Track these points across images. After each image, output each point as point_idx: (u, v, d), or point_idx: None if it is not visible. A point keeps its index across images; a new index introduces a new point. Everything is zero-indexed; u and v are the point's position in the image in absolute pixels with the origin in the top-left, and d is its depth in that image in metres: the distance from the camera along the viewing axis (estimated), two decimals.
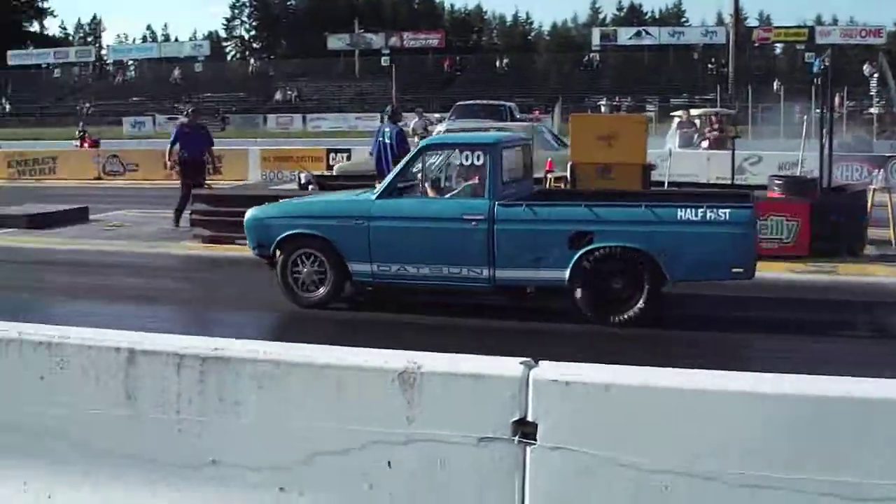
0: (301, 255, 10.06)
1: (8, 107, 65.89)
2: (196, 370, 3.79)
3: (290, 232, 10.06)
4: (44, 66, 74.66)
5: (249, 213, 10.64)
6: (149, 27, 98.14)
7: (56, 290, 11.67)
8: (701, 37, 68.41)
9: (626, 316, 9.11)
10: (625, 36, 68.72)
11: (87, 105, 63.15)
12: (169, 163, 16.04)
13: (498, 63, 68.31)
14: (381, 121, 21.08)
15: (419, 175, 9.92)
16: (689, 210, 9.01)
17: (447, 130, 18.17)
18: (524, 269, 9.40)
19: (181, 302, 11.20)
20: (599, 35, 70.16)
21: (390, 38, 69.40)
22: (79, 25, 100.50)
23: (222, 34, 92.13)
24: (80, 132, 37.24)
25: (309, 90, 64.09)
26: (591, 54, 68.78)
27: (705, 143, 22.17)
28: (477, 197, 9.55)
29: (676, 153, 19.65)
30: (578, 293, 9.21)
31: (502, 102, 29.57)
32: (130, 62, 77.99)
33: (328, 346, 3.82)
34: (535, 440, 3.47)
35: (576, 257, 9.14)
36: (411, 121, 26.57)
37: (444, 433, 3.53)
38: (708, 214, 8.92)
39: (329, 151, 25.71)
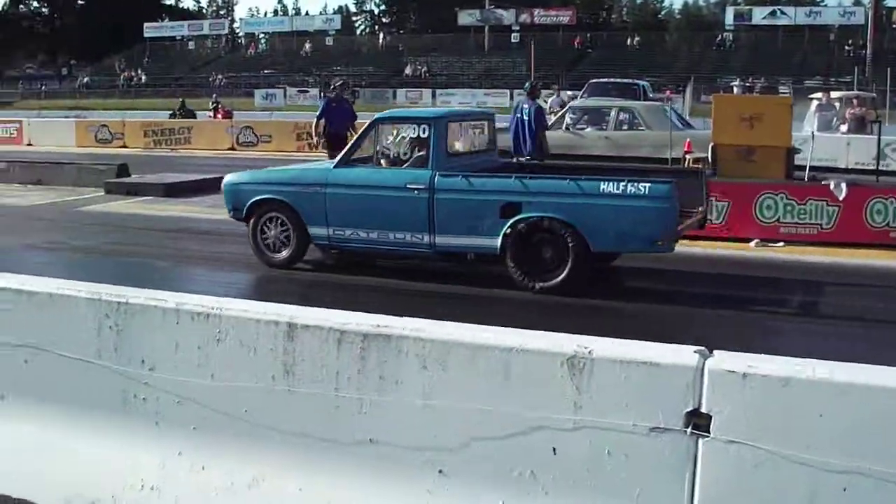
0: (268, 218, 10.91)
1: (144, 77, 67.81)
2: (357, 346, 3.71)
3: (259, 197, 10.97)
4: (178, 38, 76.65)
5: (226, 178, 11.70)
6: (280, 1, 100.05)
7: (198, 258, 11.79)
8: (838, 17, 66.28)
9: (549, 284, 9.58)
10: (759, 16, 66.80)
11: (220, 77, 64.62)
12: (315, 137, 16.24)
13: (628, 41, 67.36)
14: (511, 97, 21.00)
15: (373, 147, 10.64)
16: (611, 184, 9.35)
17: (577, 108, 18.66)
18: (461, 237, 9.99)
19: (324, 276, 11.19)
20: (733, 14, 68.47)
21: (521, 15, 68.98)
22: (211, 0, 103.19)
23: (352, 9, 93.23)
24: (213, 103, 38.07)
25: (438, 65, 64.27)
26: (724, 34, 67.26)
27: (844, 127, 21.36)
28: (421, 168, 10.17)
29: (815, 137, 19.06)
30: (509, 261, 9.72)
31: (635, 81, 29.15)
32: (262, 35, 79.48)
33: (494, 328, 3.68)
34: (709, 433, 3.34)
35: (506, 227, 9.65)
36: (549, 98, 26.42)
37: (614, 421, 3.42)
38: (629, 188, 9.25)
39: None
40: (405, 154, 10.66)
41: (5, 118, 35.30)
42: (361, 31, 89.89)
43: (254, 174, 11.65)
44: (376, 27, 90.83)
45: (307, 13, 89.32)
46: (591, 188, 9.44)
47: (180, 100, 39.95)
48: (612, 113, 17.81)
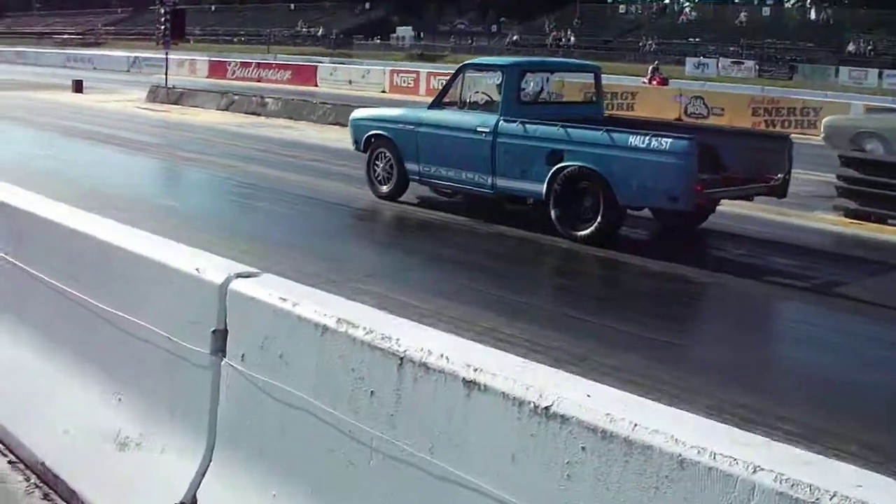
0: (379, 153, 12.46)
1: (573, 38, 71.56)
2: None
3: (371, 132, 12.55)
4: (610, 1, 79.93)
5: (353, 113, 13.51)
6: None
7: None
8: None
9: (583, 232, 10.31)
10: None
11: (651, 42, 67.03)
12: None
13: None
14: None
15: (458, 91, 11.80)
16: (638, 137, 9.87)
17: None
18: (516, 181, 10.98)
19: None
20: None
21: None
22: None
23: None
24: (653, 68, 40.09)
25: (883, 44, 62.56)
26: None
27: None
28: (492, 113, 11.20)
29: None
30: (551, 207, 10.51)
31: None
32: (687, 2, 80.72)
33: None
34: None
35: (550, 173, 10.44)
36: None
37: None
38: (652, 143, 9.72)
39: None
40: (483, 99, 11.97)
41: (406, 68, 39.72)
42: (793, 5, 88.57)
43: (372, 111, 13.32)
44: (808, 1, 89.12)
45: None
46: (621, 140, 9.99)
47: (654, 62, 42.08)
48: None
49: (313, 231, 11.40)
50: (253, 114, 25.76)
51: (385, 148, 12.42)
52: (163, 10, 29.81)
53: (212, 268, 3.96)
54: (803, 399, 6.26)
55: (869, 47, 61.34)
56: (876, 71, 53.13)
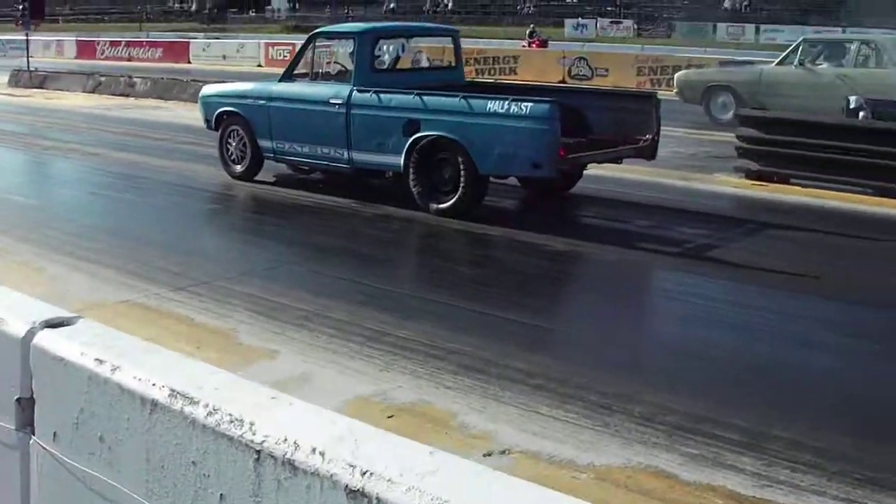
0: (231, 131, 11.79)
1: (451, 4, 70.85)
2: None
3: (222, 109, 11.88)
4: None
5: (202, 90, 12.88)
6: None
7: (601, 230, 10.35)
8: None
9: (443, 206, 9.83)
10: None
11: (529, 4, 66.73)
12: None
13: None
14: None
15: (309, 62, 11.20)
16: (496, 103, 9.39)
17: None
18: (373, 154, 10.41)
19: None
20: None
21: None
22: None
23: None
24: (530, 32, 39.77)
25: (760, 0, 63.16)
26: None
27: None
28: (344, 83, 10.67)
29: None
30: (410, 180, 10.02)
31: None
32: None
33: None
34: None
35: (407, 144, 9.94)
36: None
37: None
38: (512, 108, 9.26)
39: None
40: (336, 69, 11.44)
41: (282, 41, 38.04)
42: None
43: (222, 87, 12.68)
44: None
45: None
46: (479, 107, 9.50)
47: (530, 26, 41.68)
48: (853, 47, 16.67)
49: (179, 222, 10.48)
50: (121, 95, 24.40)
51: (237, 125, 11.77)
52: None
53: (13, 314, 3.00)
54: (721, 393, 5.54)
55: (745, 3, 61.98)
56: (753, 27, 53.69)
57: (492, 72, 29.19)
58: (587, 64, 27.83)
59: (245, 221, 10.70)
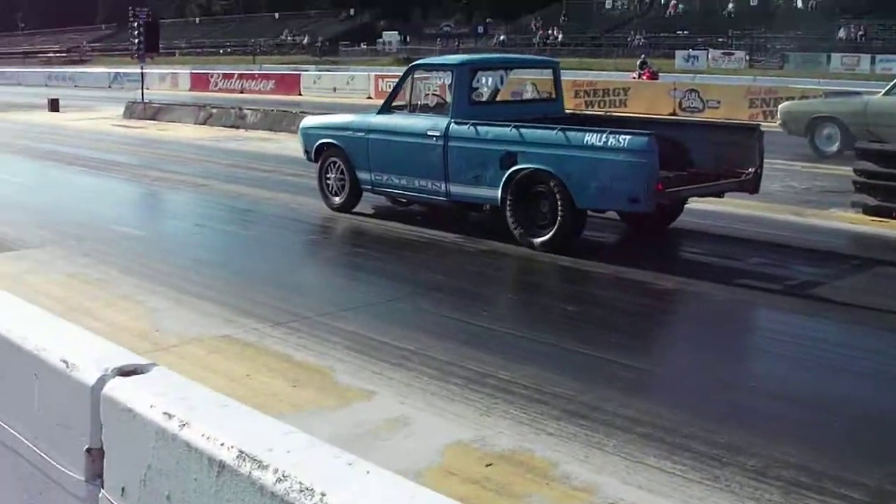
0: (331, 162, 11.72)
1: (560, 36, 70.56)
2: None
3: (321, 141, 11.85)
4: None
5: (302, 122, 12.89)
6: None
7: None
8: None
9: (540, 239, 9.59)
10: None
11: (639, 37, 66.04)
12: None
13: None
14: None
15: (407, 94, 11.10)
16: (594, 135, 9.14)
17: None
18: (470, 186, 10.23)
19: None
20: None
21: None
22: None
23: None
24: (641, 63, 39.32)
25: (874, 28, 61.59)
26: None
27: None
28: (443, 115, 10.45)
29: None
30: (507, 213, 9.78)
31: None
32: None
33: None
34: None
35: (504, 177, 9.72)
36: None
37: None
38: (609, 140, 9.00)
39: None
40: (434, 101, 11.26)
41: (391, 73, 37.93)
42: None
43: (322, 119, 12.65)
44: None
45: None
46: (576, 139, 9.32)
47: (641, 57, 41.28)
48: None
49: (282, 256, 10.37)
50: (232, 127, 24.76)
51: (336, 157, 11.75)
52: (136, 24, 28.61)
53: (86, 358, 2.84)
54: (838, 446, 5.19)
55: (860, 32, 60.53)
56: (868, 56, 52.32)
57: (602, 104, 28.93)
58: (698, 96, 27.32)
59: (347, 255, 10.55)
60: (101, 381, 2.69)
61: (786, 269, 9.39)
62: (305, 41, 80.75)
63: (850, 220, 11.56)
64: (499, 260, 9.75)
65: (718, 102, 26.66)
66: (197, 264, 9.69)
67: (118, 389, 2.64)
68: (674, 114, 26.52)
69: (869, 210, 11.57)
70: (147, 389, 2.63)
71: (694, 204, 11.08)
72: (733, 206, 11.51)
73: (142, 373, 2.74)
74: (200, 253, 10.38)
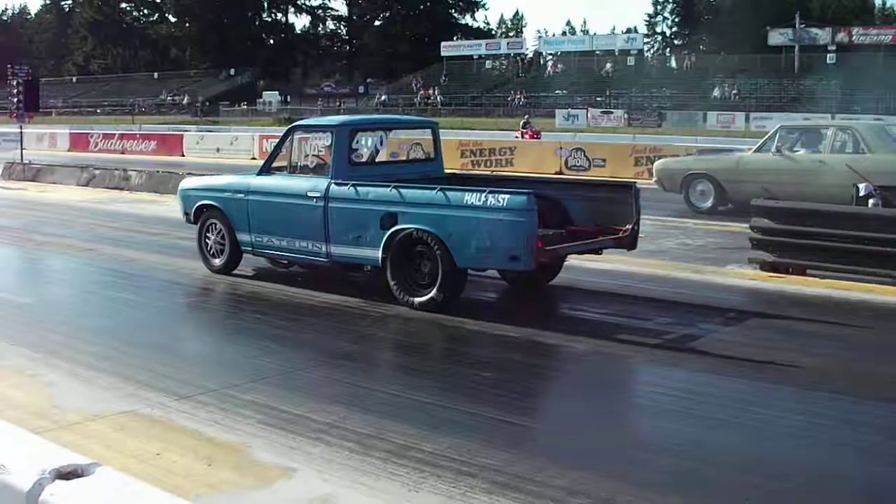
0: (209, 224, 11.75)
1: (440, 97, 71.21)
2: None
3: (201, 202, 11.83)
4: (475, 57, 79.88)
5: (181, 183, 13.01)
6: (568, 23, 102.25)
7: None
8: None
9: (421, 300, 9.64)
10: None
11: (519, 96, 66.86)
12: None
13: None
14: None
15: (287, 155, 11.11)
16: (474, 195, 9.28)
17: None
18: (351, 247, 10.25)
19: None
20: None
21: (837, 34, 67.41)
22: (501, 21, 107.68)
23: (642, 30, 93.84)
24: (524, 123, 39.80)
25: (747, 88, 63.46)
26: None
27: None
28: (322, 177, 10.55)
29: None
30: (388, 274, 9.86)
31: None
32: (551, 55, 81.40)
33: None
34: None
35: (385, 237, 9.79)
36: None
37: None
38: (489, 200, 9.14)
39: None
40: (314, 162, 11.30)
41: (275, 133, 36.63)
42: (653, 54, 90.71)
43: (201, 180, 12.64)
44: (668, 49, 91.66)
45: (612, 31, 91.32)
46: (456, 199, 9.41)
47: (524, 117, 41.64)
48: (829, 133, 16.60)
49: (180, 324, 10.14)
50: (116, 188, 24.14)
51: (215, 218, 11.67)
52: (15, 83, 27.80)
53: (19, 458, 2.56)
54: None
55: (734, 91, 62.42)
56: (743, 114, 53.85)
57: (488, 163, 29.11)
58: (584, 154, 27.54)
59: (249, 322, 10.15)
60: (39, 485, 2.40)
61: (685, 326, 9.38)
62: (185, 101, 79.82)
63: (749, 277, 11.67)
64: (406, 324, 9.56)
65: (604, 161, 26.94)
66: (90, 334, 9.24)
67: (59, 497, 2.36)
68: (560, 172, 26.80)
69: (766, 266, 11.71)
70: (91, 493, 2.35)
71: (591, 263, 11.17)
72: (634, 264, 11.56)
73: (83, 475, 2.47)
74: (93, 321, 9.92)
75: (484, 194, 9.21)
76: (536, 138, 35.00)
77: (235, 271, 11.76)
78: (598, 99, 63.08)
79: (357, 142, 11.33)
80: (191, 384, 7.35)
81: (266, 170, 11.28)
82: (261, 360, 8.23)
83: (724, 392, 7.37)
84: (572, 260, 10.94)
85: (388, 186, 10.00)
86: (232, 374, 7.76)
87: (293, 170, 11.06)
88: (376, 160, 12.06)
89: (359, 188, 10.18)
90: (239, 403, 6.87)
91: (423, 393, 7.29)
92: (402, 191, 9.87)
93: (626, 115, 56.21)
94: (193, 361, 8.32)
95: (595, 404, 7.34)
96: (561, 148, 28.76)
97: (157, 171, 24.57)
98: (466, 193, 9.41)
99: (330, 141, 10.79)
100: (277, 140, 11.81)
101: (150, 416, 6.60)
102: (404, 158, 13.50)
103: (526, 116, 42.52)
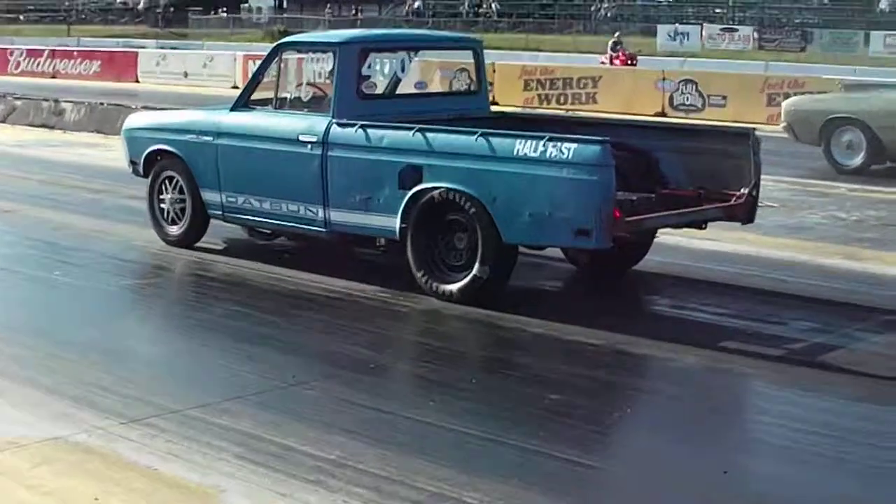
0: (164, 178, 11.86)
1: (497, 5, 71.09)
2: None
3: (153, 147, 11.90)
4: None
5: (127, 121, 13.11)
6: None
7: None
8: None
9: (456, 287, 9.61)
10: None
11: (605, 5, 66.96)
12: None
13: None
14: None
15: (273, 84, 11.09)
16: (527, 143, 9.17)
17: None
18: (358, 213, 10.25)
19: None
20: None
21: None
22: None
23: None
24: (614, 44, 39.68)
25: None
26: None
27: None
28: (320, 114, 10.53)
29: None
30: (409, 250, 9.84)
31: None
32: None
33: None
34: None
35: (405, 200, 9.75)
36: None
37: None
38: (549, 150, 9.00)
39: None
40: (309, 94, 11.22)
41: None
42: None
43: (155, 116, 12.84)
44: None
45: None
46: (503, 149, 9.36)
47: (615, 35, 41.36)
48: None
49: (129, 318, 10.29)
50: (43, 126, 24.59)
51: (173, 170, 11.79)
52: None
53: None
54: None
55: None
56: None
57: (562, 98, 29.50)
58: (696, 89, 27.69)
59: (224, 317, 10.14)
60: None
61: (833, 335, 9.44)
62: (141, 5, 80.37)
63: None
64: (439, 323, 9.71)
65: (724, 98, 26.99)
66: (5, 330, 9.34)
67: None
68: (662, 113, 26.95)
69: None
70: None
71: (697, 241, 11.36)
72: (761, 245, 11.81)
73: None
74: (8, 313, 10.07)
75: (542, 142, 9.13)
76: (631, 64, 34.93)
77: (199, 243, 11.92)
78: (718, 11, 62.78)
79: (369, 66, 11.32)
80: (142, 402, 7.42)
81: (243, 103, 11.37)
82: (239, 371, 8.34)
83: (891, 429, 7.36)
84: (665, 235, 10.95)
85: (411, 129, 9.98)
86: (199, 389, 7.87)
87: (280, 104, 11.10)
88: (396, 93, 11.97)
89: (370, 131, 10.21)
90: (208, 430, 6.92)
91: (462, 421, 7.33)
92: (428, 135, 9.86)
93: (756, 35, 55.92)
94: (146, 371, 8.41)
95: (705, 443, 7.34)
96: (664, 79, 28.89)
97: (101, 104, 24.93)
98: (518, 140, 9.35)
99: (332, 64, 10.80)
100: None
101: (85, 444, 6.68)
102: (435, 91, 13.35)
103: (616, 34, 42.48)
